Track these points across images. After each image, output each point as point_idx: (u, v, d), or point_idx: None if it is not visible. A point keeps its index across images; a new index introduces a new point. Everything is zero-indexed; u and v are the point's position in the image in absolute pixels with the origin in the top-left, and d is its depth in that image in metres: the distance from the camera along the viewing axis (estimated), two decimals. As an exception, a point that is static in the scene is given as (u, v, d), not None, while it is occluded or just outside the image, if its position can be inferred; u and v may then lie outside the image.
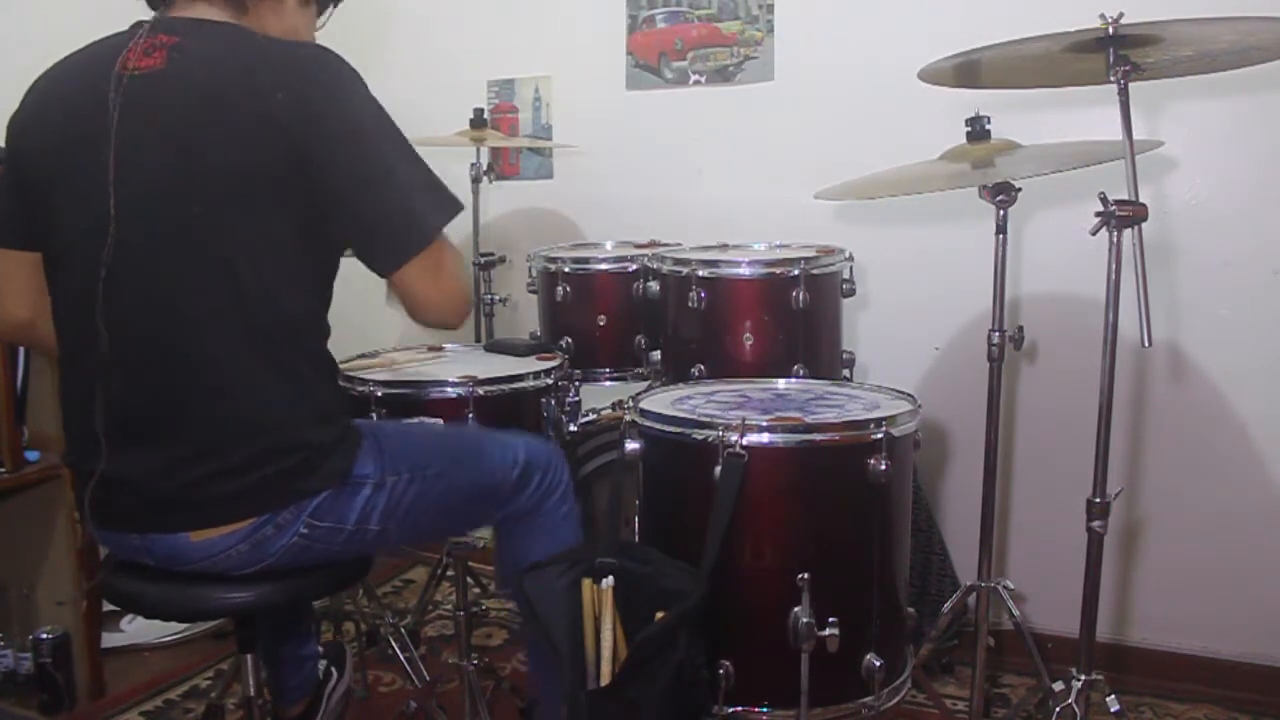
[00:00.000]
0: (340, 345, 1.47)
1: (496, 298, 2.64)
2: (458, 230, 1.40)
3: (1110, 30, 1.44)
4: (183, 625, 2.59)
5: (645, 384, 2.23)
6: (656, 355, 2.24)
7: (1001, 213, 1.87)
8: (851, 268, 2.14)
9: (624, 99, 2.84)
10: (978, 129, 1.86)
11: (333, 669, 2.03)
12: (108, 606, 2.37)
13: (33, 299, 1.45)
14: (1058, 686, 1.61)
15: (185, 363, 1.31)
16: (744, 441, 1.53)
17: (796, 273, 2.02)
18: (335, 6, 1.56)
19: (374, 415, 1.83)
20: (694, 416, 1.64)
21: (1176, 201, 2.25)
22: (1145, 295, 1.39)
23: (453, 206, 1.35)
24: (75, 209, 1.33)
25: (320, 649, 2.02)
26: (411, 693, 2.14)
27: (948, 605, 2.05)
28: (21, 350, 2.21)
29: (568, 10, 2.90)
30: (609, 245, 2.61)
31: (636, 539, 1.75)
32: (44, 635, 2.24)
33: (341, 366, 1.95)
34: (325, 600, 2.32)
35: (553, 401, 1.96)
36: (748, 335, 2.06)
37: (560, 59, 2.94)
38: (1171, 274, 2.26)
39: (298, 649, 1.93)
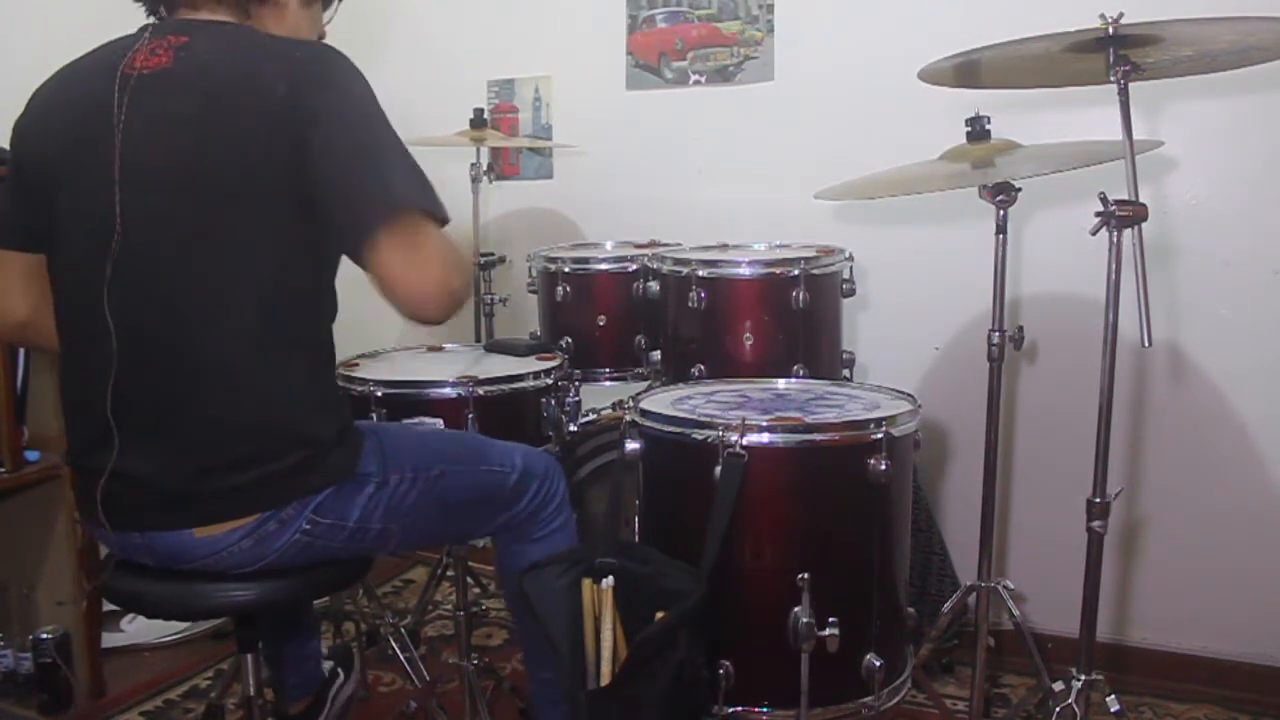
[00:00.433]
0: (341, 345, 1.47)
1: (496, 298, 2.64)
2: (458, 230, 1.40)
3: (1110, 30, 1.44)
4: (183, 625, 2.58)
5: (645, 384, 2.23)
6: (656, 355, 2.24)
7: (1001, 213, 1.87)
8: (851, 268, 2.14)
9: (624, 99, 2.83)
10: (978, 129, 1.86)
11: (339, 670, 2.03)
12: (108, 606, 2.37)
13: (32, 300, 1.46)
14: (1058, 686, 1.61)
15: (190, 359, 1.31)
16: (744, 441, 1.53)
17: (796, 273, 2.02)
18: (339, 3, 1.56)
19: (374, 415, 1.83)
20: (694, 416, 1.64)
21: (1176, 201, 2.25)
22: (1145, 295, 1.39)
23: (437, 202, 1.29)
24: (80, 209, 1.34)
25: (325, 649, 2.03)
26: (411, 693, 2.14)
27: (948, 605, 2.05)
28: (22, 350, 2.21)
29: (568, 10, 2.90)
30: (609, 245, 2.61)
31: (636, 539, 1.75)
32: (44, 635, 2.24)
33: (341, 367, 1.96)
34: (325, 600, 2.32)
35: (552, 401, 1.96)
36: (748, 335, 2.06)
37: (560, 59, 2.94)
38: (1171, 274, 2.26)
39: (300, 646, 1.94)
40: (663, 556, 1.56)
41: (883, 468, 1.55)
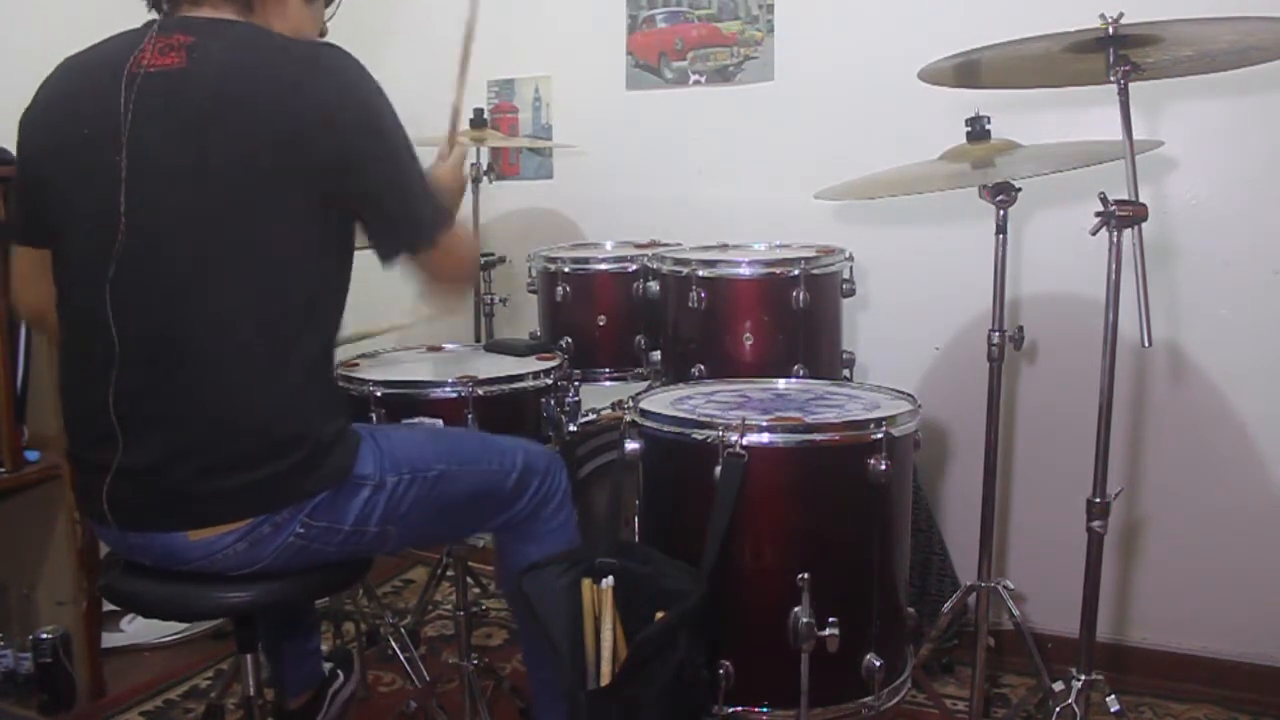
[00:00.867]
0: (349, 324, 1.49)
1: (496, 298, 2.64)
2: (458, 230, 1.41)
3: (1110, 30, 1.44)
4: (182, 625, 2.58)
5: (645, 384, 2.23)
6: (656, 355, 2.24)
7: (1001, 213, 1.87)
8: (851, 268, 2.14)
9: (624, 99, 2.83)
10: (978, 129, 1.86)
11: (339, 671, 2.03)
12: (108, 606, 2.37)
13: (51, 291, 1.44)
14: (1058, 686, 1.61)
15: (191, 359, 1.31)
16: (744, 441, 1.53)
17: (796, 273, 2.02)
18: (340, 1, 1.56)
19: (373, 416, 1.83)
20: (694, 416, 1.64)
21: (1176, 201, 2.25)
22: (1145, 295, 1.39)
23: (451, 215, 1.51)
24: (84, 206, 1.33)
25: (325, 652, 2.03)
26: (411, 693, 2.14)
27: (948, 605, 2.05)
28: (22, 350, 2.21)
29: (568, 10, 2.90)
30: (609, 245, 2.61)
31: (636, 539, 1.75)
32: (44, 635, 2.24)
33: (341, 367, 1.96)
34: (325, 600, 2.32)
35: (552, 401, 1.96)
36: (748, 335, 2.05)
37: (560, 59, 2.94)
38: (1171, 274, 2.26)
39: (300, 643, 1.94)
40: (663, 556, 1.56)
41: (883, 468, 1.55)
